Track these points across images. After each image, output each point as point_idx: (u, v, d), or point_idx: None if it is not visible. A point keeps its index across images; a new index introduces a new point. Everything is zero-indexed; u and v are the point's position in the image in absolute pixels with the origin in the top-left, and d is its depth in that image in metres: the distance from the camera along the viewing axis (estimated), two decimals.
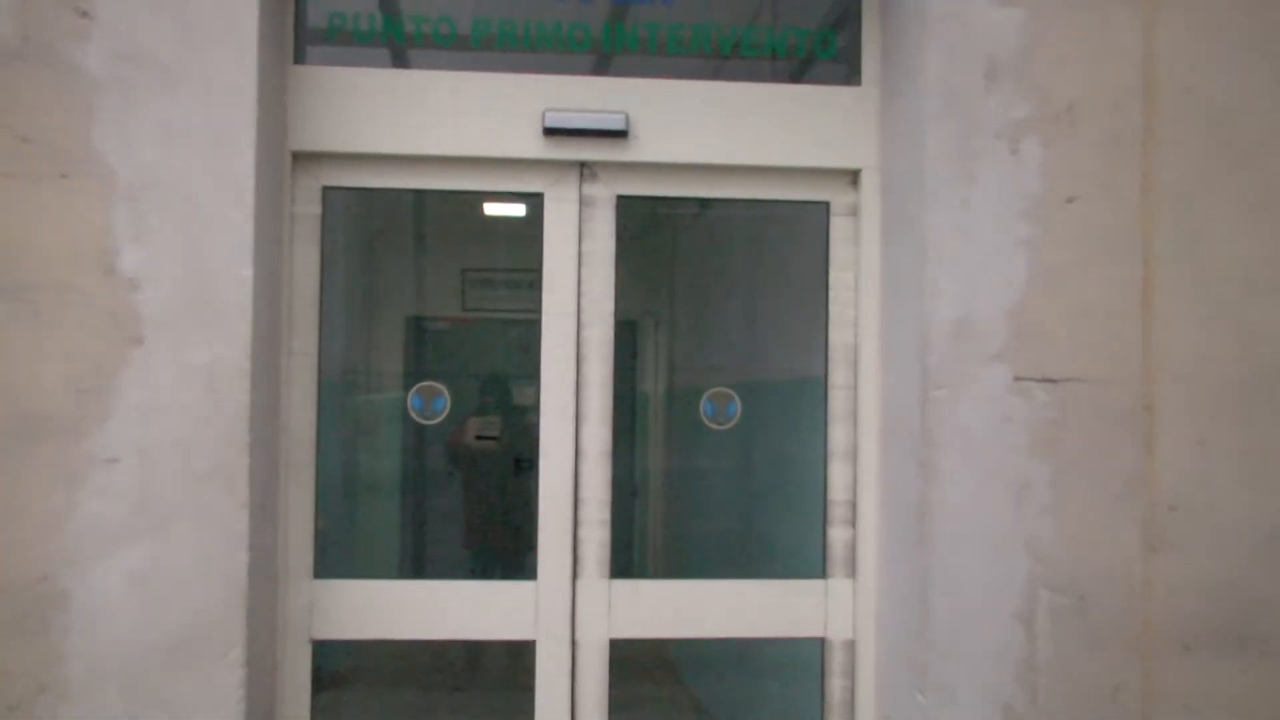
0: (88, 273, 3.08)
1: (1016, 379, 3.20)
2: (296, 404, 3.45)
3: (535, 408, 3.62)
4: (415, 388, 3.66)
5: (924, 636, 3.21)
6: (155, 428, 3.07)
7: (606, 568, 3.56)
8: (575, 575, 3.54)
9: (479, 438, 4.13)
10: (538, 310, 3.58)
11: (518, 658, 3.66)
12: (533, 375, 3.61)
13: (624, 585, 3.58)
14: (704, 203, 3.75)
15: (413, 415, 3.66)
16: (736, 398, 3.78)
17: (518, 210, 3.96)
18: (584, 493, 3.54)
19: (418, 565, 4.52)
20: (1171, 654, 3.24)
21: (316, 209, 3.48)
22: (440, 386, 3.64)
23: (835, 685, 3.62)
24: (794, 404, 3.87)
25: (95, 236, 3.08)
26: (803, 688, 3.81)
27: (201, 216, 3.10)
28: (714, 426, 3.78)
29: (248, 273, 3.10)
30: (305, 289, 3.46)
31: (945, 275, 3.19)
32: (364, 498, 4.13)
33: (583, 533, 3.54)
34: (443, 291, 4.53)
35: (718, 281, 4.63)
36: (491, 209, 4.09)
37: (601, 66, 3.63)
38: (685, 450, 4.20)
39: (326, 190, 3.49)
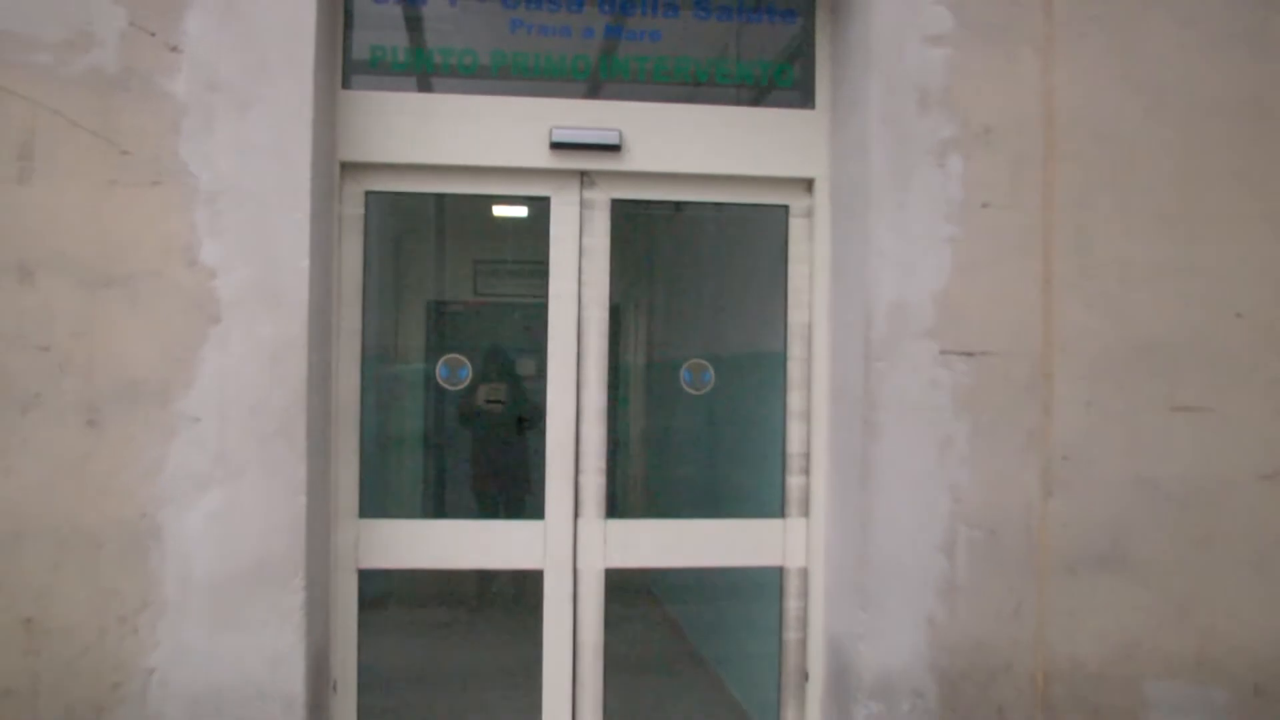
0: (175, 263, 3.55)
1: (942, 352, 3.73)
2: (344, 373, 3.92)
3: (535, 376, 4.09)
4: (442, 359, 4.16)
5: (865, 564, 3.74)
6: (231, 392, 3.55)
7: (603, 509, 4.05)
8: (577, 515, 4.04)
9: (488, 401, 4.62)
10: (536, 295, 4.04)
11: (521, 584, 4.15)
12: (532, 349, 4.09)
13: (617, 524, 4.08)
14: (684, 205, 4.22)
15: (440, 382, 4.17)
16: (710, 368, 4.27)
17: (520, 212, 4.42)
18: (584, 446, 4.03)
19: (441, 507, 4.98)
20: (1061, 575, 3.81)
21: (360, 210, 3.95)
22: (463, 358, 4.13)
23: (791, 605, 4.16)
24: (758, 373, 4.34)
25: (181, 233, 3.55)
26: (763, 608, 4.35)
27: (267, 216, 3.57)
28: (691, 392, 4.27)
29: (305, 263, 3.58)
30: (351, 277, 3.94)
31: (885, 266, 3.71)
32: (397, 451, 4.59)
33: (583, 480, 4.04)
34: (458, 279, 5.00)
35: (695, 271, 5.07)
36: (499, 210, 4.56)
37: (599, 91, 4.09)
38: (668, 411, 4.66)
39: (369, 194, 3.96)
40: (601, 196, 4.06)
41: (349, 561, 3.96)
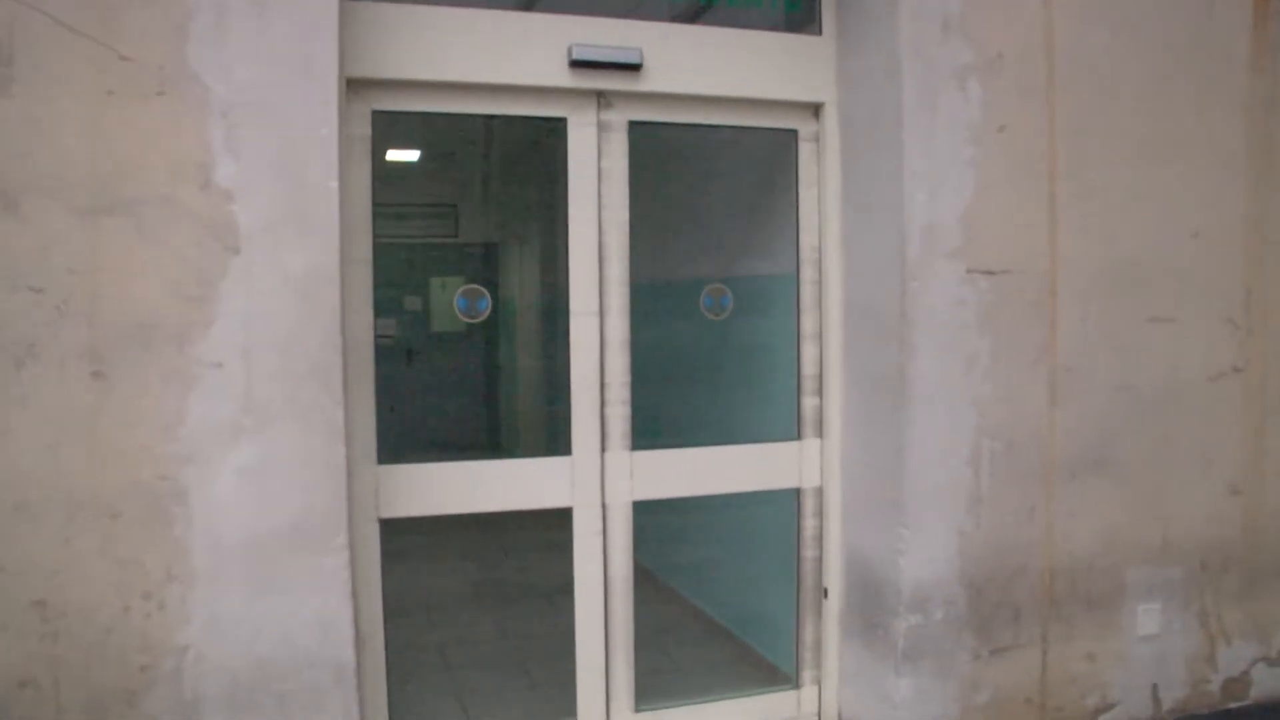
0: (186, 186, 2.79)
1: (968, 271, 3.43)
2: (358, 307, 3.18)
3: (420, 313, 3.51)
4: (460, 290, 3.47)
5: (902, 481, 3.42)
6: (256, 332, 2.85)
7: (629, 440, 3.52)
8: (604, 449, 3.50)
9: (380, 336, 4.04)
10: (431, 236, 3.44)
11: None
12: (418, 288, 3.49)
13: (643, 455, 3.55)
14: (697, 128, 3.68)
15: (459, 314, 3.47)
16: (729, 292, 3.77)
17: (412, 156, 3.81)
18: (608, 377, 3.49)
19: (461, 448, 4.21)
20: (1064, 479, 3.63)
21: (368, 131, 3.21)
22: (483, 289, 3.46)
23: (808, 524, 3.78)
24: (771, 296, 3.90)
25: (192, 151, 2.79)
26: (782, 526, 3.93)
27: (291, 132, 2.87)
28: (711, 317, 3.77)
29: (334, 184, 2.90)
30: (360, 204, 3.19)
31: (919, 188, 3.35)
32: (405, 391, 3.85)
33: (608, 412, 3.50)
34: None
35: (709, 195, 4.55)
36: (393, 154, 3.87)
37: (617, 9, 3.49)
38: (688, 338, 4.09)
39: (376, 114, 3.22)
40: (619, 118, 3.47)
41: (370, 511, 3.25)
